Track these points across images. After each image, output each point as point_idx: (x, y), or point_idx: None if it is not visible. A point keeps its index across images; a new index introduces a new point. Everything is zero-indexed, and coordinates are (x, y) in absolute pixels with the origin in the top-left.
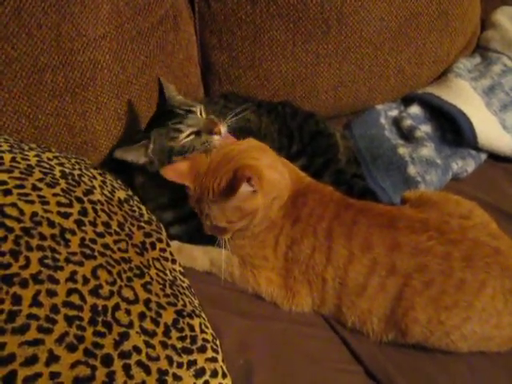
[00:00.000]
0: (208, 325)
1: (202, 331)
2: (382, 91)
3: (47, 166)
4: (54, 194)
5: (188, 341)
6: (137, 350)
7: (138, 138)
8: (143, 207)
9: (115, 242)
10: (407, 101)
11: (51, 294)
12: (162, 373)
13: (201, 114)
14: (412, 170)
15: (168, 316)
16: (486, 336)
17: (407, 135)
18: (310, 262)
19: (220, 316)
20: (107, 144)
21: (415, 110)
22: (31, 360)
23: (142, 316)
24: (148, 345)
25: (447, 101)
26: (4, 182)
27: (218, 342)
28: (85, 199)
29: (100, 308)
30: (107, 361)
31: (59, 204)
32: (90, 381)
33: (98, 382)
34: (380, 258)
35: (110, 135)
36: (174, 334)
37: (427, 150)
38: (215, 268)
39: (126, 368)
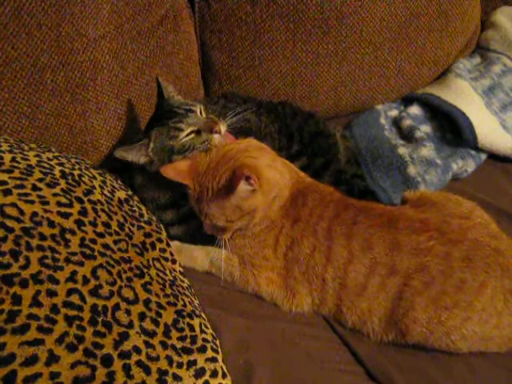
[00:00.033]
0: (208, 325)
1: (202, 331)
2: (382, 91)
3: (47, 166)
4: (54, 194)
5: (188, 341)
6: (137, 350)
7: (138, 138)
8: (143, 207)
9: (115, 242)
10: (407, 101)
11: (51, 294)
12: (162, 373)
13: (201, 114)
14: (412, 170)
15: (168, 316)
16: (486, 336)
17: (407, 135)
18: (310, 262)
19: (220, 316)
20: (107, 144)
21: (415, 110)
22: (31, 360)
23: (141, 316)
24: (148, 345)
25: (447, 101)
26: (4, 182)
27: (217, 342)
28: (85, 199)
29: (100, 308)
30: (107, 361)
31: (59, 204)
32: (89, 381)
33: (97, 382)
34: (380, 258)
35: (109, 135)
36: (174, 334)
37: (427, 150)
38: (215, 268)
39: (126, 368)
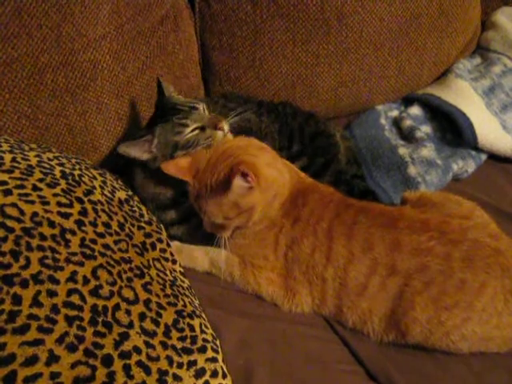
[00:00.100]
0: (208, 325)
1: (202, 331)
2: (383, 92)
3: (47, 167)
4: (55, 195)
5: (188, 341)
6: (137, 350)
7: (140, 134)
8: (143, 207)
9: (115, 242)
10: (407, 101)
11: (51, 294)
12: (162, 373)
13: (204, 111)
14: (412, 170)
15: (168, 316)
16: (486, 336)
17: (407, 136)
18: (310, 262)
19: (220, 316)
20: (108, 144)
21: (415, 110)
22: (31, 360)
23: (142, 316)
24: (148, 345)
25: (447, 101)
26: (4, 182)
27: (218, 342)
28: (85, 199)
29: (100, 308)
30: (107, 361)
31: (59, 204)
32: (90, 381)
33: (98, 383)
34: (380, 258)
35: (110, 135)
36: (174, 334)
37: (427, 151)
38: (215, 268)
39: (126, 368)
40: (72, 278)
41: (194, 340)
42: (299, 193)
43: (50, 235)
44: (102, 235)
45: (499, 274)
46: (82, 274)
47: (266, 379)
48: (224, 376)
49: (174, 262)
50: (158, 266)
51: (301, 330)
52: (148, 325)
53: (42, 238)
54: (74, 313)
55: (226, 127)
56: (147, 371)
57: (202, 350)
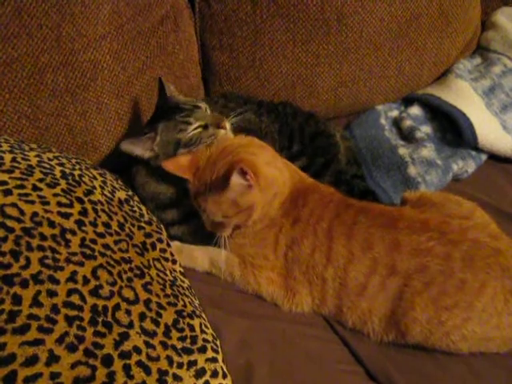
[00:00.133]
0: (208, 325)
1: (202, 331)
2: (383, 92)
3: (48, 167)
4: (55, 195)
5: (188, 341)
6: (137, 350)
7: (143, 132)
8: (143, 207)
9: (115, 242)
10: (407, 101)
11: (51, 294)
12: (162, 373)
13: (206, 111)
14: (412, 170)
15: (168, 316)
16: (486, 336)
17: (407, 136)
18: (311, 262)
19: (220, 316)
20: (108, 144)
21: (415, 110)
22: (31, 360)
23: (142, 316)
24: (148, 345)
25: (447, 101)
26: (4, 182)
27: (218, 342)
28: (85, 199)
29: (100, 308)
30: (107, 361)
31: (60, 204)
32: (90, 381)
33: (98, 383)
34: (380, 258)
35: (110, 135)
36: (175, 334)
37: (427, 151)
38: (215, 268)
39: (126, 368)
40: (72, 277)
41: (194, 340)
42: (299, 192)
43: (50, 235)
44: (102, 235)
45: (499, 274)
46: (82, 274)
47: (266, 379)
48: (224, 376)
49: (174, 262)
50: (158, 265)
51: (301, 330)
52: (148, 325)
53: (42, 237)
54: (74, 313)
55: (228, 126)
56: (147, 371)
57: (202, 350)
